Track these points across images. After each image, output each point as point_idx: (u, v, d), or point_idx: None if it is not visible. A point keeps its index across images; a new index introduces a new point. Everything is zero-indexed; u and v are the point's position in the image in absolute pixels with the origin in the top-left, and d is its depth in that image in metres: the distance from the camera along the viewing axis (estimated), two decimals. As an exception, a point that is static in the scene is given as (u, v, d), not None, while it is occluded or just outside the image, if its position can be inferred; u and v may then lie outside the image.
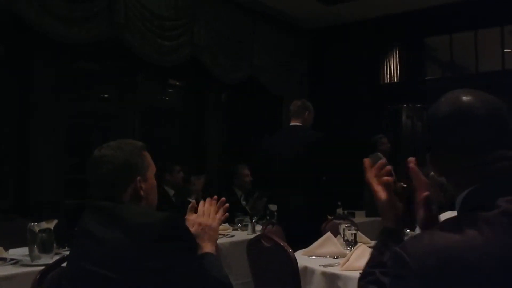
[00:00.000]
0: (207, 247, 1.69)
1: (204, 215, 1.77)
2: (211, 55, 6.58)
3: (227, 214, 1.85)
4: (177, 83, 7.22)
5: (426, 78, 7.95)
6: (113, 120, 6.12)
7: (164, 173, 5.48)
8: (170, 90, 7.30)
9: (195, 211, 1.83)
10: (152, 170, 1.72)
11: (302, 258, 3.11)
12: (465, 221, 1.07)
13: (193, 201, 1.85)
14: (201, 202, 1.83)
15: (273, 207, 4.72)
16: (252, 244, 3.13)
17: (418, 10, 7.46)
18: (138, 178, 1.64)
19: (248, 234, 4.34)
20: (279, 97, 7.87)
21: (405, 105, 7.67)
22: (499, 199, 1.07)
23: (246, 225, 4.59)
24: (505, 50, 7.50)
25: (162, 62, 6.00)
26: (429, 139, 1.23)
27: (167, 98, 7.32)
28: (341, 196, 5.84)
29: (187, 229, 1.61)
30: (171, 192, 5.50)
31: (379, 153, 1.52)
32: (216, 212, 1.81)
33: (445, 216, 1.36)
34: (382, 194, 1.41)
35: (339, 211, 5.46)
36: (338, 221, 4.09)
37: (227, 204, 1.86)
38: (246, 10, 7.16)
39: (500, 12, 7.06)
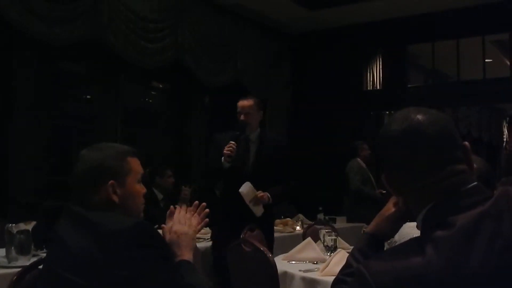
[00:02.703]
0: (183, 255, 1.65)
1: (180, 222, 1.73)
2: (195, 58, 6.58)
3: (207, 219, 1.81)
4: (161, 86, 7.20)
5: (408, 85, 8.03)
6: (95, 121, 6.08)
7: (154, 176, 5.43)
8: (153, 92, 7.28)
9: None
10: (135, 176, 1.67)
11: (282, 263, 3.12)
12: (425, 240, 1.08)
13: (172, 207, 1.80)
14: (177, 209, 1.79)
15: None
16: (231, 248, 3.13)
17: (401, 18, 7.54)
18: (111, 182, 1.59)
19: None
20: (262, 101, 7.87)
21: (387, 112, 7.73)
22: (455, 216, 1.08)
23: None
24: (486, 60, 7.62)
25: (145, 64, 5.99)
26: (382, 159, 1.23)
27: (150, 101, 7.29)
28: (322, 201, 5.87)
29: (158, 236, 1.58)
30: (160, 196, 5.44)
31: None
32: (196, 219, 1.78)
33: (407, 226, 1.38)
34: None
35: (320, 216, 5.48)
36: (318, 227, 4.11)
37: (207, 210, 1.82)
38: (230, 14, 7.18)
39: (482, 21, 7.16)
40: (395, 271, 1.04)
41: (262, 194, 3.74)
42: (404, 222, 1.40)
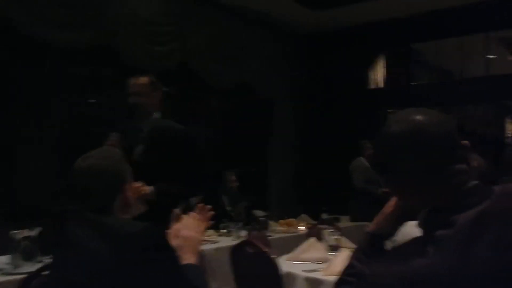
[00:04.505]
0: (188, 258, 1.69)
1: (188, 227, 1.77)
2: (202, 60, 6.60)
3: (211, 222, 1.86)
4: (166, 89, 7.21)
5: (412, 83, 8.03)
6: (104, 125, 6.11)
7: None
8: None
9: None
10: (131, 178, 1.73)
11: (286, 263, 3.13)
12: (427, 241, 1.10)
13: (177, 210, 1.83)
14: (187, 215, 1.83)
15: (259, 213, 4.74)
16: (235, 250, 3.15)
17: (404, 17, 7.53)
18: (126, 186, 1.65)
19: (232, 240, 4.36)
20: (269, 102, 7.92)
21: (391, 110, 7.73)
22: (456, 215, 1.09)
23: (231, 231, 4.60)
24: (489, 56, 7.60)
25: (152, 68, 6.01)
26: (383, 160, 1.24)
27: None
28: (326, 201, 5.89)
29: (167, 240, 1.62)
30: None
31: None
32: (205, 224, 1.83)
33: (408, 225, 1.40)
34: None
35: (324, 216, 5.50)
36: (322, 226, 4.13)
37: (213, 212, 1.86)
38: (236, 15, 7.19)
39: (484, 19, 7.15)
40: (399, 272, 1.06)
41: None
42: (405, 221, 1.40)
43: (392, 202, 1.39)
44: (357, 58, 8.05)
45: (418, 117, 1.19)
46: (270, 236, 4.63)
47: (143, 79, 3.30)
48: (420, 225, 1.19)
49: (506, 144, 10.74)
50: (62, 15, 4.99)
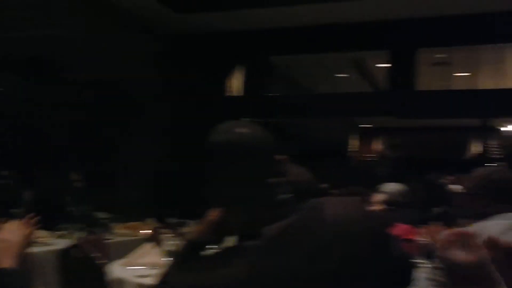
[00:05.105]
0: (6, 262, 1.66)
1: (8, 231, 1.77)
2: (60, 51, 6.28)
3: (34, 228, 1.85)
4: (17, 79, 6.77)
5: (267, 94, 8.30)
6: None
7: None
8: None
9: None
10: None
11: (119, 268, 3.06)
12: (234, 252, 1.13)
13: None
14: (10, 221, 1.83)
15: (101, 215, 4.59)
16: (62, 253, 3.02)
17: (265, 29, 7.76)
18: None
19: (70, 242, 4.16)
20: (130, 100, 7.73)
21: (246, 119, 7.93)
22: (267, 227, 1.13)
23: (69, 233, 4.42)
24: (339, 75, 8.12)
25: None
26: (204, 169, 1.27)
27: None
28: (182, 204, 5.85)
29: None
30: None
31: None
32: (25, 226, 1.82)
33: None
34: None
35: (171, 220, 5.44)
36: (164, 231, 4.08)
37: (36, 217, 1.87)
38: (104, 9, 6.94)
39: (339, 39, 7.60)
40: (205, 281, 1.09)
41: None
42: (227, 230, 1.38)
43: (214, 211, 1.40)
44: (216, 65, 8.14)
45: (238, 130, 1.23)
46: (108, 239, 4.50)
47: None
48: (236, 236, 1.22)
49: (350, 157, 11.58)
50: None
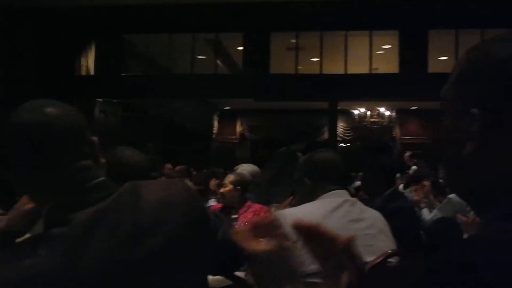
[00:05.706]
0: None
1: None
2: None
3: None
4: None
5: (123, 74, 8.03)
6: None
7: None
8: None
9: None
10: None
11: None
12: (40, 240, 1.03)
13: None
14: None
15: None
16: None
17: (117, 6, 7.42)
18: None
19: None
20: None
21: (100, 100, 7.61)
22: (75, 213, 1.05)
23: None
24: (197, 56, 8.08)
25: None
26: (7, 152, 1.14)
27: None
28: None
29: None
30: None
31: None
32: None
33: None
34: None
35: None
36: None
37: None
38: None
39: (195, 21, 7.53)
40: (8, 272, 0.99)
41: None
42: (35, 218, 1.30)
43: (26, 199, 1.31)
44: (67, 42, 7.68)
45: (44, 109, 1.11)
46: None
47: None
48: (44, 222, 1.11)
49: (212, 139, 11.69)
50: None
